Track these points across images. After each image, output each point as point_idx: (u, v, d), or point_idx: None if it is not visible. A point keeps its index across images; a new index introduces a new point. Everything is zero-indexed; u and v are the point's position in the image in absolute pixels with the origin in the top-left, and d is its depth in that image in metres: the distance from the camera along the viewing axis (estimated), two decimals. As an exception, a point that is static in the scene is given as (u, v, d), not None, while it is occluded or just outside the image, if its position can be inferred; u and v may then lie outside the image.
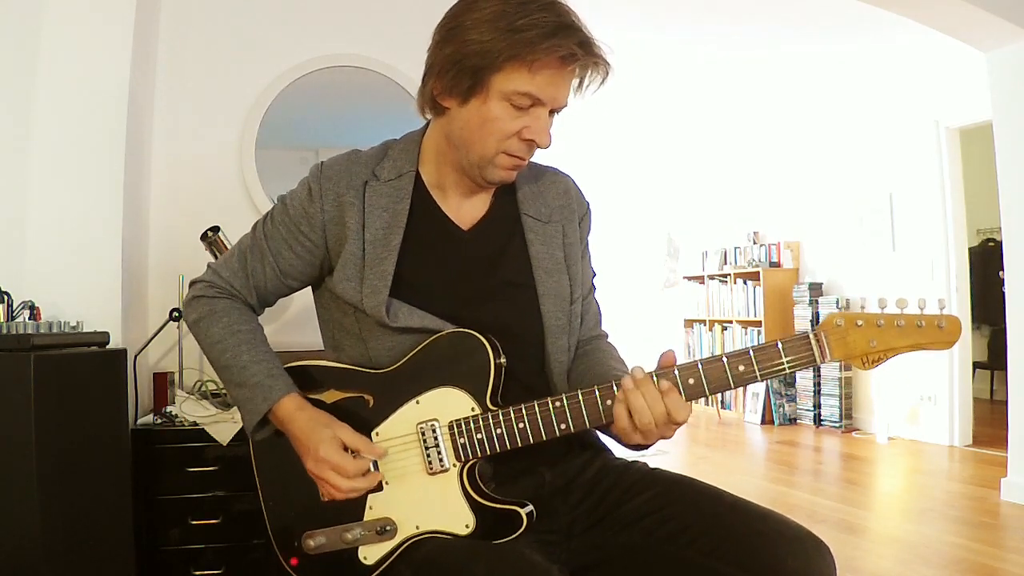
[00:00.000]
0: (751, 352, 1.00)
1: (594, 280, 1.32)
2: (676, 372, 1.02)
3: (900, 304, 0.98)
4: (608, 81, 1.09)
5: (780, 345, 1.00)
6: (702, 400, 6.83)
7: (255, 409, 1.13)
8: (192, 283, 1.25)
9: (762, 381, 1.01)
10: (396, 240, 1.14)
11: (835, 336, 0.99)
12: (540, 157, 1.20)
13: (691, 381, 1.02)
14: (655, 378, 1.02)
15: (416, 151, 1.20)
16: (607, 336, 1.32)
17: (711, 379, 1.02)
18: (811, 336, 0.99)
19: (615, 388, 1.03)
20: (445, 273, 1.17)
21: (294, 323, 2.48)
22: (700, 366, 1.02)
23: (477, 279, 1.17)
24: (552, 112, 1.10)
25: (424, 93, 1.13)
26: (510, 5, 1.02)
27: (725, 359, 1.01)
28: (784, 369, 1.00)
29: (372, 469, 1.09)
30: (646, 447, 1.07)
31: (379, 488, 1.10)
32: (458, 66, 1.05)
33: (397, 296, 1.13)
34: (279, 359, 1.19)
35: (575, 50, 1.02)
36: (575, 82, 1.09)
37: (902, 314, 0.98)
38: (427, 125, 1.21)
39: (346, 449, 1.08)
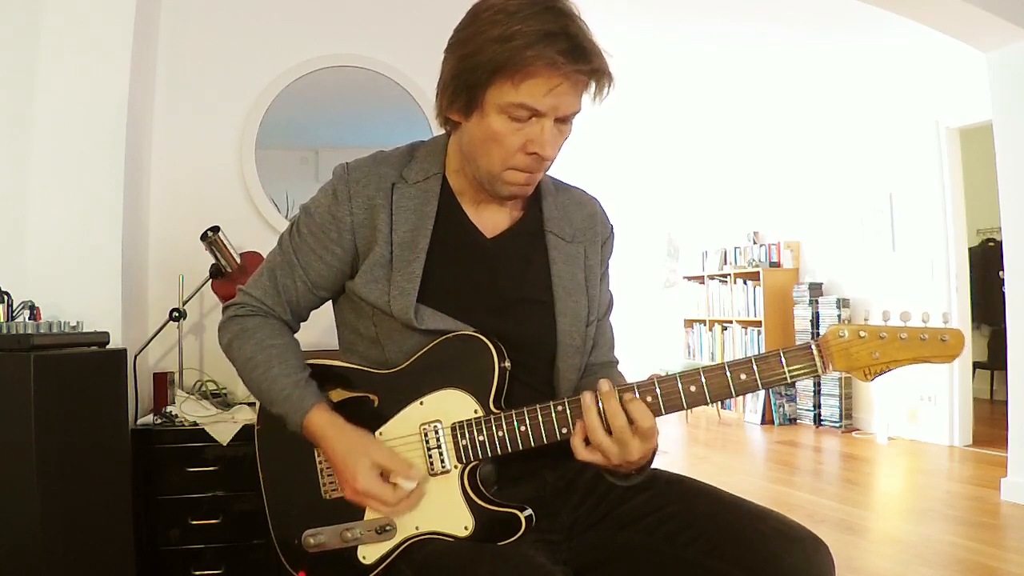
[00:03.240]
0: (753, 361, 1.00)
1: (612, 304, 1.31)
2: (656, 383, 1.02)
3: (904, 317, 0.97)
4: (612, 86, 1.06)
5: (782, 354, 1.00)
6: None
7: (293, 424, 1.12)
8: (224, 308, 1.23)
9: (763, 390, 1.02)
10: (424, 243, 1.13)
11: (838, 347, 0.98)
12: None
13: (692, 388, 1.02)
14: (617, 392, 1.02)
15: (443, 155, 1.19)
16: (617, 363, 1.31)
17: (712, 387, 1.02)
18: (813, 346, 0.99)
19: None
20: (468, 280, 1.16)
21: (312, 325, 2.48)
22: (702, 374, 1.02)
23: (498, 290, 1.16)
24: (561, 120, 1.06)
25: (436, 108, 1.13)
26: (503, 15, 1.00)
27: (727, 368, 1.01)
28: (785, 379, 1.00)
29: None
30: (623, 477, 1.07)
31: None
32: (455, 82, 1.05)
33: (419, 299, 1.12)
34: (309, 369, 1.17)
35: (556, 58, 0.98)
36: (592, 86, 1.05)
37: (905, 327, 0.97)
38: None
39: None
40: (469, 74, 1.02)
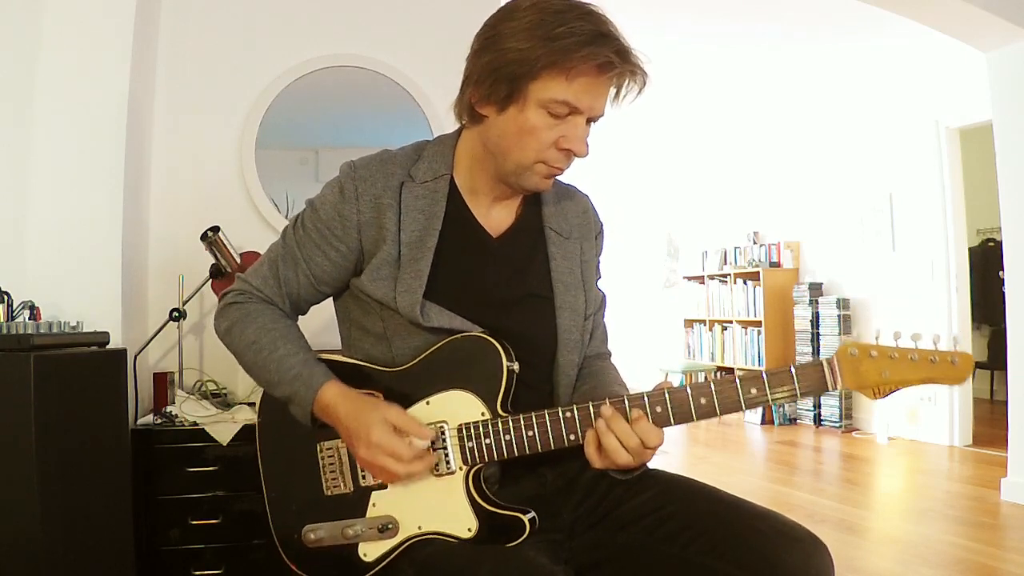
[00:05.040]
0: (764, 375, 1.01)
1: (604, 299, 1.33)
2: (667, 394, 1.04)
3: (915, 338, 0.99)
4: (645, 91, 1.09)
5: (793, 370, 1.01)
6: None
7: (304, 402, 1.10)
8: (221, 296, 1.23)
9: (773, 404, 1.02)
10: (432, 242, 1.14)
11: (848, 365, 0.99)
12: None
13: (703, 401, 1.03)
14: (627, 404, 1.04)
15: (451, 154, 1.20)
16: (610, 355, 1.33)
17: (723, 400, 1.02)
18: (824, 363, 1.00)
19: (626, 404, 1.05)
20: (474, 279, 1.17)
21: (308, 322, 2.48)
22: (712, 387, 1.02)
23: (503, 287, 1.17)
24: (589, 121, 1.10)
25: (462, 101, 1.13)
26: (548, 14, 1.02)
27: (738, 381, 1.02)
28: (796, 395, 1.01)
29: (429, 448, 1.07)
30: (626, 472, 1.09)
31: (384, 486, 1.10)
32: (496, 74, 1.05)
33: (426, 297, 1.12)
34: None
35: (612, 58, 1.02)
36: (612, 92, 1.08)
37: (916, 348, 0.98)
38: (460, 129, 1.21)
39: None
40: (516, 66, 1.03)
